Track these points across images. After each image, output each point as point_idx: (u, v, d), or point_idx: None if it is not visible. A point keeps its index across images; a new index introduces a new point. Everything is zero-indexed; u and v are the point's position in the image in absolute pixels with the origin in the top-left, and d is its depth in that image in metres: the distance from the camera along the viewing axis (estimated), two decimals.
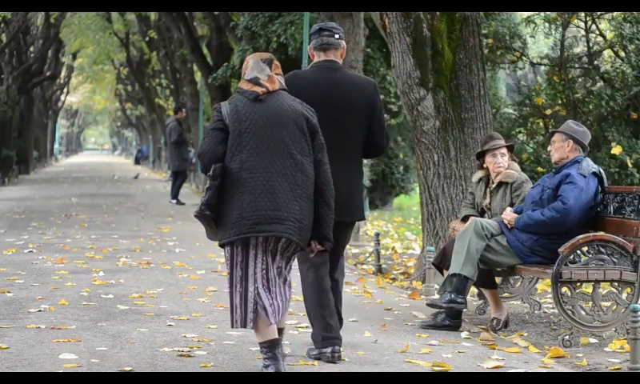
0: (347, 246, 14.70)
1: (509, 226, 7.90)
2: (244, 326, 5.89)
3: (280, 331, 6.06)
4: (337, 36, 6.81)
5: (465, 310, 7.98)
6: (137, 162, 66.37)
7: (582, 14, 12.02)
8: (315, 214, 6.06)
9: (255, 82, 6.07)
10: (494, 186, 8.48)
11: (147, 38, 42.93)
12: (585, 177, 7.70)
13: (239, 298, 5.91)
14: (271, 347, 5.90)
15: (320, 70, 6.80)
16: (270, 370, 5.89)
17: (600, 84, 12.05)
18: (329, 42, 6.80)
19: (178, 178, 23.50)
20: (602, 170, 7.88)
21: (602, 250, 7.41)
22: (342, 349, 6.61)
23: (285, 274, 6.06)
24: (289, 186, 5.94)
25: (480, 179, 8.61)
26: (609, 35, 12.52)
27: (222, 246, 6.00)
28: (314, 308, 6.69)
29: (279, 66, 6.23)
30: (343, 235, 6.88)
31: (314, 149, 6.10)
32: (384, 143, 6.97)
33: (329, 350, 6.55)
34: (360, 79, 7.03)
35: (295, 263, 6.41)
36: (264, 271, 5.93)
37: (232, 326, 5.97)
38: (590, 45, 12.30)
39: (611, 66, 12.37)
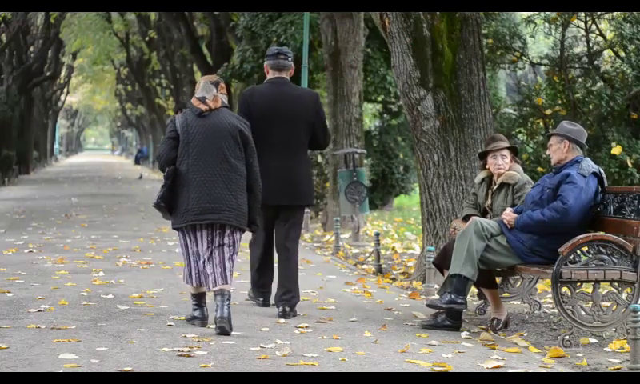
0: (347, 246, 14.79)
1: (509, 226, 7.90)
2: (192, 284, 7.79)
3: (223, 291, 7.58)
4: (289, 59, 8.62)
5: (465, 310, 7.98)
6: (137, 162, 66.36)
7: (582, 14, 12.00)
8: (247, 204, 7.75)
9: (202, 100, 7.71)
10: (495, 186, 8.48)
11: (147, 38, 42.93)
12: (585, 177, 7.70)
13: (195, 266, 7.74)
14: (199, 297, 7.82)
15: (273, 85, 8.57)
16: (197, 314, 7.79)
17: (600, 84, 12.04)
18: (284, 64, 8.58)
19: None
20: (601, 170, 7.87)
21: (602, 249, 7.40)
22: (268, 299, 8.78)
23: (232, 247, 7.71)
24: (225, 184, 7.61)
25: (482, 180, 8.61)
26: (609, 35, 12.51)
27: (175, 228, 7.77)
28: (253, 273, 8.86)
29: (224, 87, 7.84)
30: (292, 216, 8.60)
31: (246, 154, 7.75)
32: (327, 141, 8.81)
33: (261, 299, 8.81)
34: (304, 92, 8.82)
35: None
36: (208, 249, 7.64)
37: (185, 282, 7.89)
38: (590, 45, 12.29)
39: (611, 66, 12.35)
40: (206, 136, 7.62)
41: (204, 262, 7.65)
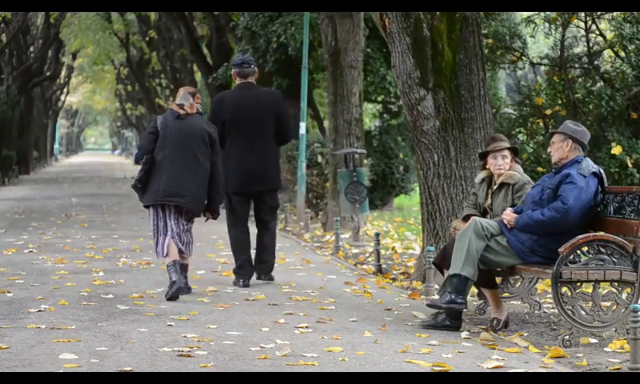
0: (347, 246, 14.79)
1: (509, 226, 7.90)
2: (163, 256, 9.33)
3: (184, 267, 9.39)
4: (252, 66, 10.27)
5: (465, 310, 7.98)
6: (137, 162, 66.27)
7: (582, 14, 12.00)
8: (210, 195, 9.44)
9: (181, 106, 9.47)
10: (495, 186, 8.48)
11: (147, 38, 42.92)
12: (585, 177, 7.69)
13: (162, 240, 9.34)
14: (175, 263, 9.19)
15: (241, 89, 10.25)
16: (173, 277, 9.11)
17: (600, 84, 12.03)
18: (248, 72, 10.23)
19: None
20: (602, 170, 7.87)
21: (602, 249, 7.40)
22: (249, 280, 10.10)
23: (188, 228, 9.45)
24: (190, 174, 9.29)
25: (483, 180, 8.61)
26: (609, 35, 12.50)
27: (146, 207, 9.46)
28: (235, 253, 10.19)
29: (200, 96, 9.60)
30: (266, 200, 10.23)
31: (212, 153, 9.45)
32: (290, 136, 10.52)
33: (241, 281, 10.05)
34: (269, 92, 10.52)
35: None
36: (176, 225, 9.35)
37: (157, 257, 9.54)
38: (590, 45, 12.28)
39: (611, 66, 12.35)
40: (181, 134, 9.37)
41: (172, 236, 9.30)
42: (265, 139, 10.15)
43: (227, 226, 10.29)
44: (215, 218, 9.71)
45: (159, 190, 9.28)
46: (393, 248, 14.58)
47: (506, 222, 7.93)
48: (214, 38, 30.41)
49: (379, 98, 24.49)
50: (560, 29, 12.10)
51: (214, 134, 9.55)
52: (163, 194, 9.29)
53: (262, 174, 10.14)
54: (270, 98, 10.30)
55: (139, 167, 9.60)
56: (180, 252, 9.34)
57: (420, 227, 12.25)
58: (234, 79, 10.38)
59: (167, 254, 9.27)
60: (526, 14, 13.19)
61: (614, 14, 12.03)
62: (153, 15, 40.22)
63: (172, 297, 8.99)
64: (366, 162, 18.53)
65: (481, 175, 8.66)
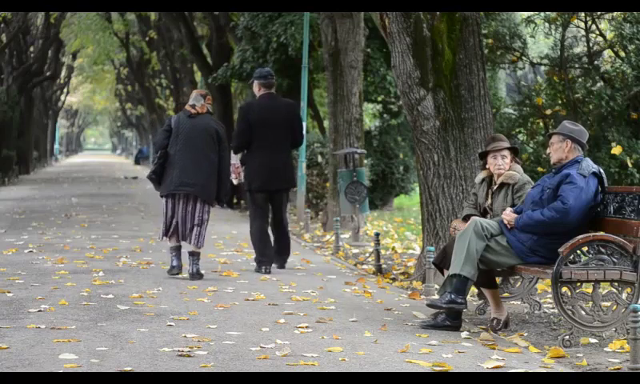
0: (347, 246, 14.81)
1: (508, 226, 7.90)
2: (163, 237, 10.83)
3: (193, 252, 10.65)
4: (273, 80, 11.64)
5: (465, 310, 7.98)
6: (137, 162, 66.29)
7: (582, 14, 12.00)
8: (217, 186, 10.71)
9: (192, 106, 10.78)
10: (495, 187, 8.47)
11: (147, 38, 42.94)
12: (585, 177, 7.69)
13: (169, 224, 10.72)
14: (177, 249, 10.78)
15: (264, 98, 11.52)
16: (174, 262, 10.72)
17: (600, 84, 12.04)
18: (272, 83, 11.58)
19: None
20: (601, 170, 7.86)
21: (602, 249, 7.40)
22: (271, 267, 11.32)
23: (201, 215, 10.70)
24: (199, 166, 10.59)
25: (483, 180, 8.61)
26: (609, 35, 12.51)
27: (162, 196, 10.80)
28: (257, 242, 11.38)
29: (210, 98, 11.01)
30: (282, 197, 11.54)
31: (220, 148, 10.74)
32: (302, 140, 12.02)
33: (263, 268, 11.23)
34: (286, 102, 11.80)
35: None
36: (183, 212, 10.69)
37: (160, 238, 11.04)
38: (590, 45, 12.28)
39: (611, 66, 12.35)
40: (191, 131, 10.65)
41: (177, 223, 10.66)
42: (283, 143, 11.48)
43: (250, 220, 11.60)
44: (222, 206, 11.52)
45: (172, 181, 10.60)
46: (393, 248, 14.58)
47: (505, 222, 7.93)
48: (214, 38, 30.41)
49: (379, 98, 24.49)
50: (560, 29, 12.11)
51: (222, 131, 10.79)
52: (175, 185, 10.58)
53: (282, 175, 11.45)
54: (289, 107, 11.65)
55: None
56: (184, 238, 10.66)
57: (420, 227, 12.25)
58: (258, 89, 11.52)
59: (169, 239, 10.72)
60: (525, 13, 13.19)
61: (614, 14, 12.03)
62: (153, 15, 40.24)
63: (193, 274, 10.55)
64: (366, 162, 18.53)
65: (481, 175, 8.66)
